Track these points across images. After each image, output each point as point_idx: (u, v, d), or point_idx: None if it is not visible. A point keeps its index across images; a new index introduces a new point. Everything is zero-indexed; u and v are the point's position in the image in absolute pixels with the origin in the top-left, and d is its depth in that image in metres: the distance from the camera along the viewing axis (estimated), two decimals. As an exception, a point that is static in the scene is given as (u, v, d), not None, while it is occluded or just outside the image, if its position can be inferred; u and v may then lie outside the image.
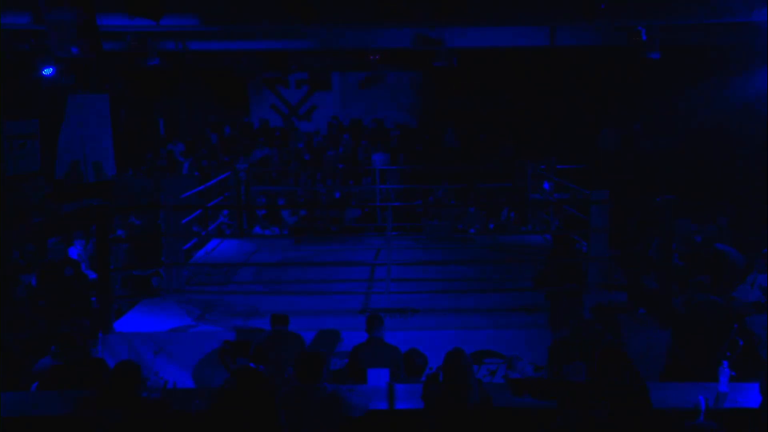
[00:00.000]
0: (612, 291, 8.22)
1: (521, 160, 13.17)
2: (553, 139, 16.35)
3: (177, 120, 19.05)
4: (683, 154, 14.79)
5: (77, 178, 14.41)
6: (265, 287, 8.69)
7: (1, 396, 5.47)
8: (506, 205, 13.46)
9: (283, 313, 6.59)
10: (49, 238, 9.01)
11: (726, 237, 9.78)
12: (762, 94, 11.42)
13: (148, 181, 15.07)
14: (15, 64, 11.88)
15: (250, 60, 15.72)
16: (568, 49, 12.82)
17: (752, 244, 9.40)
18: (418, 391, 5.05)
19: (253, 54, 14.56)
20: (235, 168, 12.10)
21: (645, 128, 16.35)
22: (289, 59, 14.43)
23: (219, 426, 4.35)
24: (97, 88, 15.40)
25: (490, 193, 14.09)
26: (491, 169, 14.70)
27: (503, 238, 11.46)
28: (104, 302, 7.34)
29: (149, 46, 11.48)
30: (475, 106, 18.37)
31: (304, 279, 8.77)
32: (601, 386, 4.60)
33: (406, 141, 17.93)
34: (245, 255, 10.31)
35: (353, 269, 9.01)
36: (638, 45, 9.78)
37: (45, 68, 11.77)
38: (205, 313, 7.77)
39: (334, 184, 15.44)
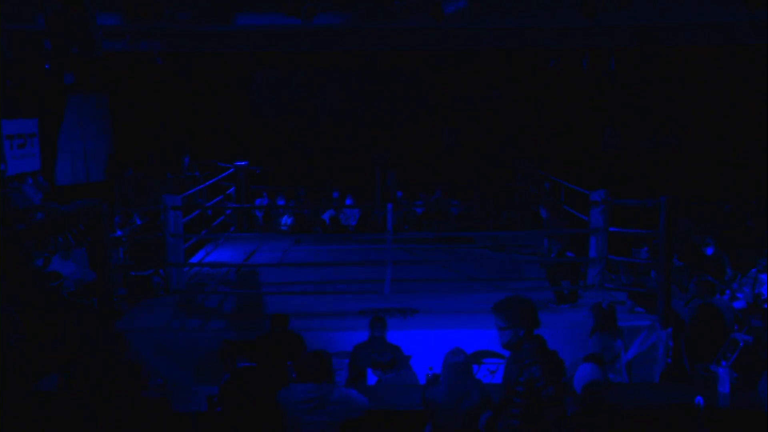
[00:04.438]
0: (612, 291, 8.23)
1: (521, 160, 13.17)
2: (554, 140, 16.34)
3: (177, 120, 19.00)
4: (683, 154, 14.79)
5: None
6: (265, 287, 8.69)
7: (1, 396, 5.47)
8: (506, 207, 13.42)
9: (283, 313, 6.60)
10: (48, 237, 8.91)
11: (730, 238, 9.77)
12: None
13: (149, 180, 15.04)
14: (16, 63, 11.86)
15: (250, 59, 15.67)
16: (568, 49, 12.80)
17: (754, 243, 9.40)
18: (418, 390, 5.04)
19: (253, 53, 14.53)
20: (235, 167, 12.09)
21: (645, 128, 16.35)
22: (289, 59, 14.40)
23: (220, 426, 4.37)
24: (97, 88, 15.37)
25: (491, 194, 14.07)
26: (491, 169, 14.69)
27: (503, 238, 11.43)
28: (104, 302, 7.33)
29: (149, 46, 11.45)
30: (475, 106, 18.35)
31: (304, 279, 8.77)
32: None
33: (405, 141, 17.91)
34: (245, 255, 10.30)
35: (353, 269, 9.01)
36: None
37: (45, 68, 11.78)
38: (205, 313, 7.77)
39: (334, 184, 15.40)
